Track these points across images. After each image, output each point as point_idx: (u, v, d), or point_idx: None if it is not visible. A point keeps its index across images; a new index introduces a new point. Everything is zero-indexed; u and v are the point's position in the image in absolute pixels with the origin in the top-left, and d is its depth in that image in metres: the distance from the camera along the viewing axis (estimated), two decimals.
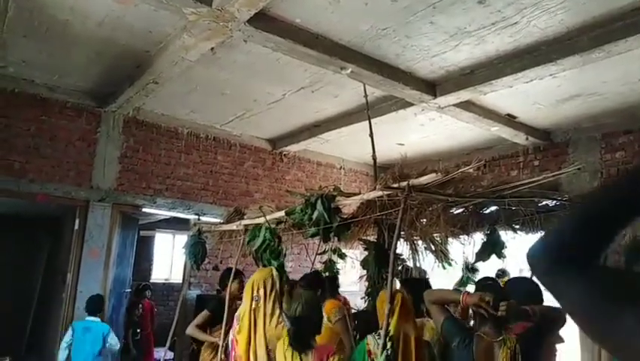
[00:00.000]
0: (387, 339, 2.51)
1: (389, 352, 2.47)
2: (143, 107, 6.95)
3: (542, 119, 6.60)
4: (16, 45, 5.24)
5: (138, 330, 6.70)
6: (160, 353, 6.24)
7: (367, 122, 4.65)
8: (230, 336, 2.98)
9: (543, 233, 0.98)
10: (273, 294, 2.81)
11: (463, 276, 4.80)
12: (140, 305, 6.86)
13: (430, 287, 3.46)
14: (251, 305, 2.82)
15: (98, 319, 5.26)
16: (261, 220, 4.08)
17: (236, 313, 2.99)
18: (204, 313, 4.42)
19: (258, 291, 2.83)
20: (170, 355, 6.80)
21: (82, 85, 6.40)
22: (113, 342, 5.11)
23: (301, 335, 2.59)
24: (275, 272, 2.94)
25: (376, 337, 2.72)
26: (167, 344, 5.19)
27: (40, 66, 5.79)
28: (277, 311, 2.77)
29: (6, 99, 6.10)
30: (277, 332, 2.71)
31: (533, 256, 0.92)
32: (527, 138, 6.91)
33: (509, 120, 6.57)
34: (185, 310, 6.79)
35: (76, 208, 6.60)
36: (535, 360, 2.46)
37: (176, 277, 10.49)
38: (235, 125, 7.61)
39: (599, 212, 0.86)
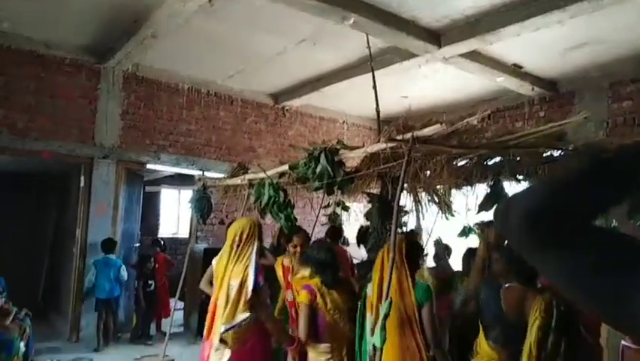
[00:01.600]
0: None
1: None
2: (143, 63, 6.84)
3: (549, 68, 6.48)
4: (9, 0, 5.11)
5: (151, 282, 6.91)
6: (171, 303, 6.45)
7: (370, 74, 4.57)
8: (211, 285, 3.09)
9: (520, 192, 0.76)
10: (251, 240, 2.91)
11: (464, 227, 4.87)
12: (152, 259, 7.04)
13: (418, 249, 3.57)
14: (230, 250, 2.92)
15: (113, 255, 6.42)
16: (264, 175, 4.10)
17: (214, 260, 3.08)
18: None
19: (240, 235, 2.93)
20: (181, 305, 7.05)
21: (79, 41, 6.27)
22: (124, 274, 6.48)
23: (331, 275, 3.04)
24: (255, 220, 3.06)
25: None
26: (177, 295, 5.36)
27: (36, 22, 5.66)
28: (248, 254, 2.85)
29: (3, 56, 6.01)
30: (241, 267, 2.80)
31: (509, 222, 0.72)
32: (533, 89, 6.81)
33: (515, 70, 6.45)
34: (193, 263, 6.97)
35: (81, 165, 6.65)
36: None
37: (184, 232, 10.68)
38: (236, 80, 7.50)
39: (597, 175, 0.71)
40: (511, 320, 2.34)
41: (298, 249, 3.74)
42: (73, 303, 6.54)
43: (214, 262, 3.03)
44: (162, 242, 7.39)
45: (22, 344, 4.87)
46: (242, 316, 2.66)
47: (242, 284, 2.73)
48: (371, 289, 2.86)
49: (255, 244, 2.94)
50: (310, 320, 2.97)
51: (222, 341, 2.64)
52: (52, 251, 8.62)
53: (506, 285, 2.48)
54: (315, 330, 3.00)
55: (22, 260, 8.16)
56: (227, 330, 2.64)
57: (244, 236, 2.91)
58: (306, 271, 3.42)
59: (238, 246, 2.90)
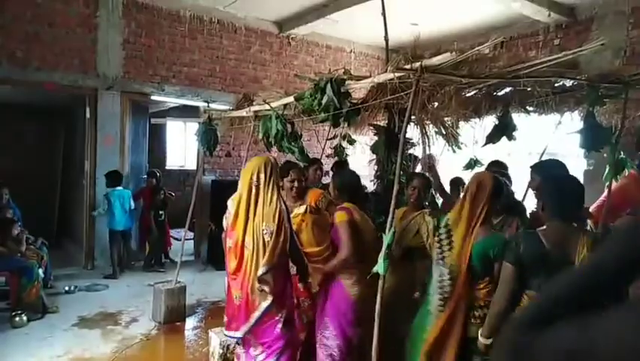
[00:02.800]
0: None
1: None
2: None
3: None
4: None
5: (161, 212, 7.08)
6: (180, 233, 6.65)
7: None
8: (224, 223, 2.99)
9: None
10: (272, 180, 2.77)
11: (470, 159, 4.85)
12: (163, 191, 7.15)
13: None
14: (249, 191, 2.77)
15: (121, 187, 6.54)
16: (270, 108, 4.05)
17: (230, 200, 2.93)
18: None
19: (258, 175, 2.76)
20: (190, 235, 7.27)
21: None
22: (132, 203, 6.67)
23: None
24: (273, 159, 2.86)
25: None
26: (187, 225, 5.50)
27: None
28: (274, 197, 2.75)
29: None
30: (272, 212, 2.73)
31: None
32: (549, 15, 6.49)
33: None
34: (201, 195, 7.09)
35: (85, 97, 6.59)
36: None
37: (191, 164, 10.77)
38: (239, 5, 7.20)
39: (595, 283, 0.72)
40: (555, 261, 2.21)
41: (296, 184, 3.53)
42: (86, 232, 6.76)
43: (230, 203, 2.88)
44: (158, 174, 7.43)
45: (40, 271, 5.10)
46: (273, 262, 2.69)
47: (279, 229, 2.70)
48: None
49: (278, 183, 2.85)
50: (354, 237, 2.97)
51: (263, 281, 2.67)
52: (63, 182, 8.79)
53: (543, 228, 2.27)
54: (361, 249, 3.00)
55: (35, 191, 8.33)
56: (267, 272, 2.66)
57: (263, 175, 2.76)
58: (301, 209, 3.36)
59: (257, 187, 2.76)
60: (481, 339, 2.38)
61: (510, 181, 3.98)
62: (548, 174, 2.40)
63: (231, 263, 2.82)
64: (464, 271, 2.49)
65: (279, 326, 2.77)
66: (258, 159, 2.86)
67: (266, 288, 2.69)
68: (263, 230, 2.71)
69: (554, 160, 3.46)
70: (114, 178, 6.44)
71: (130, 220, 6.62)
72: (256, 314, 2.74)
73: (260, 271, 2.68)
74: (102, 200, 6.45)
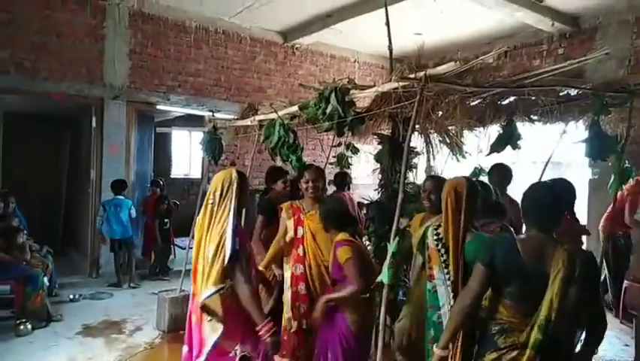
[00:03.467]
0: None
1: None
2: None
3: (572, 2, 6.16)
4: None
5: (166, 220, 7.09)
6: (185, 241, 6.65)
7: (383, 9, 4.38)
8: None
9: None
10: (228, 197, 2.53)
11: (475, 168, 4.85)
12: (166, 200, 7.17)
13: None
14: (205, 209, 2.58)
15: (123, 197, 6.47)
16: (275, 116, 4.07)
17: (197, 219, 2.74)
18: (260, 218, 4.02)
19: (214, 193, 2.56)
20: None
21: None
22: (133, 212, 6.55)
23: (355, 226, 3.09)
24: (234, 174, 2.59)
25: (434, 230, 2.69)
26: (191, 234, 5.50)
27: None
28: (225, 216, 2.50)
29: None
30: (216, 237, 2.48)
31: None
32: (553, 24, 6.51)
33: (535, 4, 6.14)
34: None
35: (91, 106, 6.65)
36: None
37: (196, 173, 10.80)
38: (244, 16, 7.26)
39: None
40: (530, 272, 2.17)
41: (311, 184, 3.45)
42: (91, 241, 6.78)
43: (197, 220, 2.68)
44: (161, 183, 7.45)
45: (45, 279, 5.11)
46: (217, 287, 2.40)
47: (217, 251, 2.44)
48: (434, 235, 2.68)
49: (233, 201, 2.53)
50: (362, 269, 2.87)
51: (206, 307, 2.41)
52: (69, 191, 8.83)
53: (522, 236, 2.26)
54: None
55: (41, 200, 8.37)
56: (207, 298, 2.40)
57: (218, 193, 2.55)
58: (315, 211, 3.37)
59: (213, 204, 2.55)
60: (437, 351, 2.24)
61: (503, 185, 3.95)
62: (530, 185, 2.36)
63: (192, 283, 2.60)
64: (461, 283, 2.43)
65: None
66: (218, 175, 2.63)
67: (215, 322, 2.40)
68: (209, 251, 2.48)
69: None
70: (116, 186, 6.45)
71: (129, 229, 6.46)
72: (205, 350, 2.42)
73: (202, 296, 2.41)
74: (100, 208, 6.48)
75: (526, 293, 2.08)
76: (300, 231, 3.40)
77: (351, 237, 2.98)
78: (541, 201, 2.18)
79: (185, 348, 2.59)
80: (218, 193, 2.55)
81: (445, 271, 2.56)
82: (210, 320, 2.42)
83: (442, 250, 2.60)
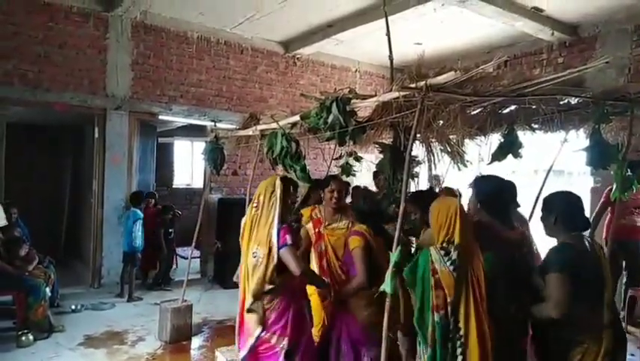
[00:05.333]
0: (454, 249, 2.30)
1: (455, 262, 2.26)
2: (151, 11, 6.70)
3: (571, 11, 6.19)
4: None
5: (171, 230, 7.10)
6: (187, 251, 6.64)
7: (384, 20, 4.42)
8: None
9: None
10: (272, 203, 2.73)
11: (476, 177, 4.84)
12: (171, 210, 7.18)
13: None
14: (251, 213, 2.78)
15: (137, 209, 6.54)
16: (276, 125, 4.08)
17: (242, 222, 2.96)
18: None
19: (258, 198, 2.77)
20: (197, 253, 7.26)
21: None
22: (137, 226, 6.41)
23: (375, 223, 3.06)
24: (278, 181, 2.81)
25: (440, 250, 2.35)
26: (193, 244, 5.50)
27: None
28: (270, 220, 2.69)
29: (10, 4, 5.94)
30: (265, 235, 2.67)
31: None
32: (553, 33, 6.55)
33: (535, 14, 6.18)
34: (207, 213, 7.12)
35: (94, 117, 6.69)
36: None
37: (198, 183, 10.82)
38: (246, 27, 7.33)
39: None
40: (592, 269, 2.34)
41: (336, 194, 3.51)
42: (94, 251, 6.77)
43: (243, 221, 2.90)
44: (156, 195, 7.50)
45: (47, 290, 5.10)
46: (268, 287, 2.63)
47: (269, 253, 2.63)
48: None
49: (278, 205, 2.71)
50: (368, 263, 2.95)
51: (251, 311, 2.63)
52: (71, 201, 8.84)
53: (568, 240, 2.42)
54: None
55: (43, 210, 8.39)
56: (254, 302, 2.62)
57: (262, 198, 2.74)
58: (340, 223, 3.46)
59: (257, 207, 2.75)
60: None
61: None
62: (558, 192, 2.54)
63: (241, 286, 2.85)
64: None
65: (281, 358, 2.67)
66: (264, 182, 2.85)
67: (254, 317, 2.63)
68: (253, 253, 2.68)
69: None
70: (131, 198, 6.63)
71: (132, 242, 6.35)
72: (250, 341, 2.69)
73: (247, 304, 2.64)
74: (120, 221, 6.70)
75: (589, 293, 2.27)
76: (322, 246, 3.48)
77: (370, 231, 3.04)
78: (577, 204, 2.42)
79: (237, 338, 2.88)
80: (262, 198, 2.76)
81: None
82: (252, 317, 2.67)
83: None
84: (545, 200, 2.59)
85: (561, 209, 2.41)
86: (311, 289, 3.42)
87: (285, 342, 2.68)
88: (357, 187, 6.09)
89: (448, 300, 2.23)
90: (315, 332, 3.34)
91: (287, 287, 2.74)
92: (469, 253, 2.32)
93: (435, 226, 2.43)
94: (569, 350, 2.30)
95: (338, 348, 3.08)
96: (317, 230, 3.54)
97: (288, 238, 2.67)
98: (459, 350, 2.21)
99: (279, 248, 2.64)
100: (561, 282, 2.25)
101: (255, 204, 2.77)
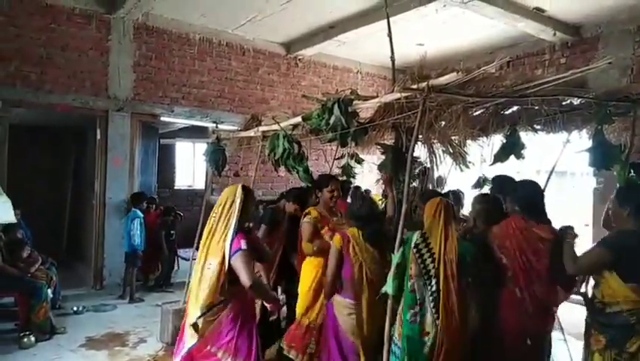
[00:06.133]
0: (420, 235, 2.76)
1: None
2: (152, 12, 6.72)
3: (574, 11, 6.18)
4: None
5: (172, 232, 7.10)
6: (188, 252, 6.64)
7: (386, 21, 4.41)
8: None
9: None
10: (229, 213, 2.66)
11: (479, 178, 4.84)
12: (173, 212, 7.19)
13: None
14: (210, 222, 2.73)
15: (137, 210, 6.49)
16: (278, 127, 4.08)
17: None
18: (263, 228, 4.17)
19: (218, 208, 2.71)
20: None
21: None
22: (137, 227, 6.40)
23: (373, 229, 3.06)
24: (239, 191, 2.72)
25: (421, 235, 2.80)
26: (195, 245, 5.49)
27: None
28: (226, 229, 2.62)
29: (12, 7, 5.95)
30: (219, 246, 2.61)
31: None
32: (555, 34, 6.53)
33: (537, 14, 6.17)
34: (209, 215, 7.08)
35: (96, 118, 6.69)
36: None
37: (199, 184, 10.83)
38: (247, 28, 7.33)
39: None
40: None
41: (336, 193, 3.71)
42: (95, 253, 6.77)
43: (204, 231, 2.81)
44: (156, 200, 7.51)
45: (49, 291, 5.10)
46: (202, 311, 2.54)
47: (222, 261, 2.54)
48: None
49: (236, 215, 2.64)
50: (339, 266, 3.00)
51: (195, 326, 2.55)
52: (73, 203, 8.85)
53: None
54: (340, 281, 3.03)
55: (45, 212, 8.39)
56: (202, 315, 2.53)
57: (220, 208, 2.69)
58: (342, 219, 3.57)
59: (214, 218, 2.69)
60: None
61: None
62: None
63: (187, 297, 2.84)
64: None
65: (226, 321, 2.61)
66: (225, 191, 2.77)
67: (192, 336, 2.58)
68: (208, 265, 2.59)
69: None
70: (132, 199, 6.60)
71: (134, 242, 6.35)
72: (182, 351, 2.65)
73: (193, 317, 2.56)
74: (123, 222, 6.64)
75: None
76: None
77: (357, 239, 3.03)
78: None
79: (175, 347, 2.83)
80: (221, 208, 2.68)
81: (426, 276, 2.69)
82: (189, 327, 2.61)
83: (426, 256, 2.74)
84: (621, 193, 2.87)
85: (636, 203, 2.67)
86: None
87: (230, 358, 2.57)
88: (357, 187, 6.11)
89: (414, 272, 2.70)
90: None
91: (237, 299, 2.63)
92: (435, 238, 2.73)
93: (425, 217, 2.86)
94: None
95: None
96: (329, 227, 3.66)
97: (243, 243, 2.57)
98: (432, 303, 2.63)
99: (230, 255, 2.55)
100: (598, 256, 2.66)
101: (213, 215, 2.70)
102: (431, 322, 2.60)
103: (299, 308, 3.60)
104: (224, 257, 2.55)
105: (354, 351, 2.96)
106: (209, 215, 2.74)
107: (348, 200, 5.39)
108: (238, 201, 2.67)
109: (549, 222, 2.99)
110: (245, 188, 2.76)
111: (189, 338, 2.61)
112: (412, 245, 2.73)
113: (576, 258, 2.71)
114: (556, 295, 2.93)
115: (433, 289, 2.64)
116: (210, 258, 2.59)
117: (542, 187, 3.23)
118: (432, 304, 2.62)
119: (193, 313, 2.59)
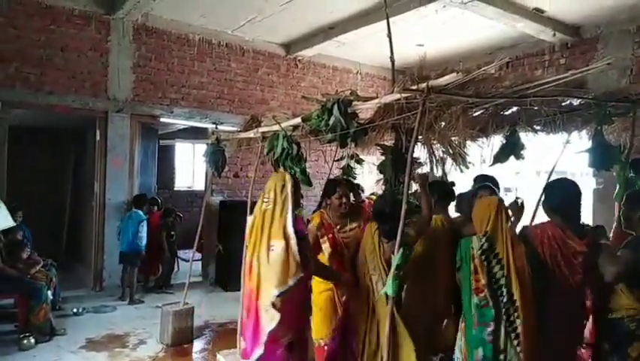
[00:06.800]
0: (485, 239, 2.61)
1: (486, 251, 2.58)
2: (152, 13, 6.72)
3: (574, 12, 6.18)
4: None
5: (172, 233, 7.10)
6: (188, 253, 6.64)
7: (385, 21, 4.41)
8: (245, 243, 2.98)
9: None
10: (283, 197, 2.73)
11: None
12: (173, 213, 7.19)
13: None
14: (261, 207, 2.77)
15: (139, 211, 6.50)
16: (278, 128, 4.08)
17: (248, 220, 2.94)
18: None
19: (269, 193, 2.76)
20: (198, 255, 7.25)
21: None
22: (141, 228, 6.41)
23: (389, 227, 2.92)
24: (287, 176, 2.83)
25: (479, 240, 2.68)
26: (195, 246, 5.50)
27: None
28: (285, 214, 2.70)
29: (12, 8, 5.95)
30: (280, 229, 2.66)
31: None
32: (554, 34, 6.53)
33: (536, 15, 6.17)
34: (209, 216, 7.11)
35: (95, 119, 6.70)
36: None
37: (199, 185, 10.82)
38: (247, 29, 7.33)
39: None
40: None
41: (344, 200, 3.64)
42: (95, 254, 6.77)
43: (249, 220, 2.88)
44: (159, 201, 7.50)
45: (49, 293, 5.10)
46: (294, 279, 2.59)
47: (287, 246, 2.62)
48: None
49: (290, 199, 2.73)
50: (316, 251, 3.05)
51: (274, 304, 2.59)
52: (73, 204, 8.85)
53: None
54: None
55: (45, 213, 8.39)
56: (280, 294, 2.57)
57: (271, 195, 2.74)
58: (352, 224, 3.53)
59: (267, 202, 2.74)
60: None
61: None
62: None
63: (245, 281, 2.81)
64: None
65: (282, 351, 2.67)
66: (273, 178, 2.86)
67: (274, 313, 2.60)
68: (271, 247, 2.66)
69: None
70: (134, 201, 6.61)
71: (137, 243, 6.36)
72: (262, 338, 2.65)
73: (266, 299, 2.60)
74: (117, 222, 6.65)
75: None
76: (338, 248, 3.52)
77: (379, 230, 3.01)
78: None
79: (242, 343, 2.85)
80: (272, 194, 2.75)
81: (496, 286, 2.55)
82: (267, 311, 2.60)
83: (494, 263, 2.58)
84: (632, 197, 2.83)
85: None
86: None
87: (289, 335, 2.68)
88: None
89: (483, 283, 2.53)
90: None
91: (301, 281, 2.73)
92: (501, 243, 2.56)
93: (476, 220, 2.73)
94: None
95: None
96: (330, 235, 3.56)
97: (305, 229, 2.77)
98: (516, 320, 2.46)
99: (298, 239, 2.66)
100: (627, 258, 2.50)
101: (265, 200, 2.77)
102: (504, 336, 2.47)
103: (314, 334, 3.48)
104: (288, 241, 2.63)
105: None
106: (259, 202, 2.79)
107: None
108: (289, 185, 2.76)
109: (584, 230, 2.78)
110: (292, 175, 2.88)
111: (269, 322, 2.61)
112: (478, 252, 2.58)
113: (618, 264, 2.47)
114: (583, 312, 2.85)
115: (505, 300, 2.49)
116: (273, 241, 2.66)
117: (578, 188, 2.86)
118: (505, 318, 2.47)
119: (267, 296, 2.61)
